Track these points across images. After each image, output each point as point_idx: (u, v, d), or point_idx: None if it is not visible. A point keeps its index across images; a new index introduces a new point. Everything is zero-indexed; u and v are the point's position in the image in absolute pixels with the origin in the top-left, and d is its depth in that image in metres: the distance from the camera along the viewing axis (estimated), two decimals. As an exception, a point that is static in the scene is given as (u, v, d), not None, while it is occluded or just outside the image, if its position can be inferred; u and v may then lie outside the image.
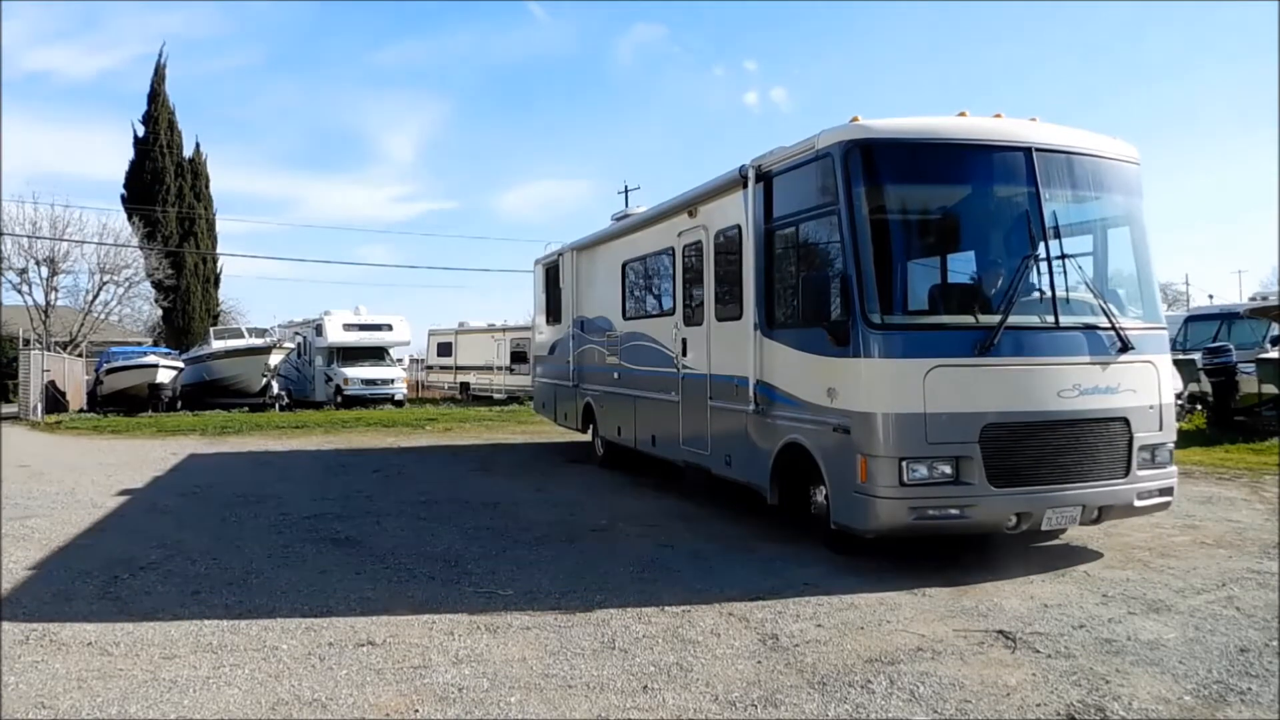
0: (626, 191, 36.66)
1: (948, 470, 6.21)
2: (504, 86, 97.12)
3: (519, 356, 28.71)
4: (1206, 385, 15.81)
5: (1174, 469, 6.99)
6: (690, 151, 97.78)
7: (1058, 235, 6.61)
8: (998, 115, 7.02)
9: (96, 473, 12.90)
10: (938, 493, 6.21)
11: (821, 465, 6.89)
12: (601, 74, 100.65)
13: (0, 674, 4.62)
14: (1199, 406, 16.65)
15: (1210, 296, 38.82)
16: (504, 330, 31.03)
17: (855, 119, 6.76)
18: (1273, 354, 15.23)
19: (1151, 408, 6.76)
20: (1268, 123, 78.03)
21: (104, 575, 6.70)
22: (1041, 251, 6.56)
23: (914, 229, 7.33)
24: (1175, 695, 4.21)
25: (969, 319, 6.57)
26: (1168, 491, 6.88)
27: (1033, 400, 6.32)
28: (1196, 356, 16.31)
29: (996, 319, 6.34)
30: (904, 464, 6.19)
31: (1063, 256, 6.61)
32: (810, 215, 7.18)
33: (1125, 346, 6.59)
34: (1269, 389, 14.99)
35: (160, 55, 42.01)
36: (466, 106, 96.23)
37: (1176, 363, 16.22)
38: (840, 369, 6.63)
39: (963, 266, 7.33)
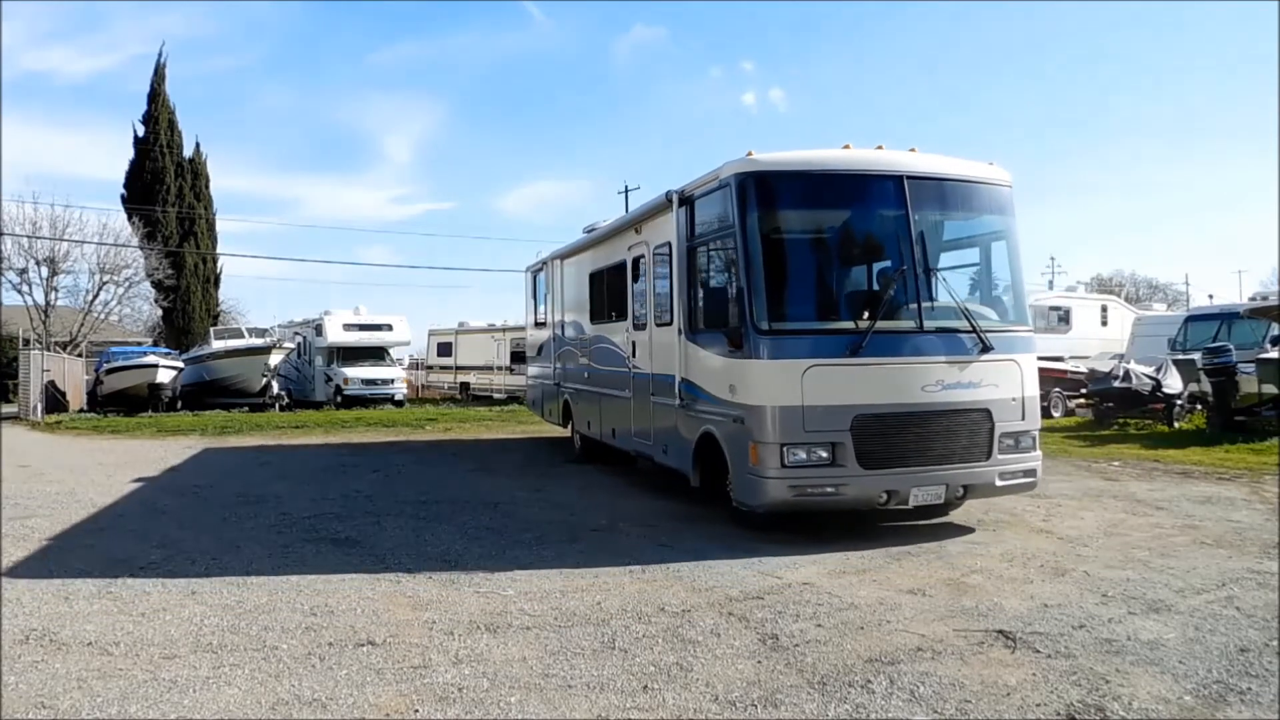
0: (626, 192, 36.70)
1: (823, 454, 7.15)
2: (503, 87, 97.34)
3: (519, 356, 28.61)
4: (1206, 385, 15.81)
5: (1038, 454, 7.86)
6: (689, 151, 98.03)
7: (924, 251, 7.55)
8: (879, 147, 7.95)
9: (96, 473, 12.90)
10: (815, 474, 7.18)
11: (726, 451, 7.88)
12: (600, 75, 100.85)
13: (0, 674, 4.62)
14: (1199, 406, 16.65)
15: (1210, 296, 38.86)
16: (504, 330, 30.96)
17: (750, 154, 7.70)
18: (1273, 354, 15.25)
19: (1014, 400, 7.63)
20: (1268, 121, 77.95)
21: (104, 575, 6.70)
22: (909, 265, 7.48)
23: (799, 247, 8.29)
24: (1175, 695, 4.21)
25: (843, 325, 7.48)
26: (1031, 473, 7.76)
27: (898, 394, 7.27)
28: (1196, 356, 16.30)
29: (866, 325, 7.29)
30: (785, 449, 7.14)
31: (929, 270, 7.55)
32: (716, 235, 8.18)
33: (986, 347, 7.47)
34: (1269, 389, 15.00)
35: (160, 55, 42.17)
36: (465, 107, 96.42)
37: (1176, 363, 16.33)
38: (737, 368, 7.63)
39: (840, 280, 8.34)
